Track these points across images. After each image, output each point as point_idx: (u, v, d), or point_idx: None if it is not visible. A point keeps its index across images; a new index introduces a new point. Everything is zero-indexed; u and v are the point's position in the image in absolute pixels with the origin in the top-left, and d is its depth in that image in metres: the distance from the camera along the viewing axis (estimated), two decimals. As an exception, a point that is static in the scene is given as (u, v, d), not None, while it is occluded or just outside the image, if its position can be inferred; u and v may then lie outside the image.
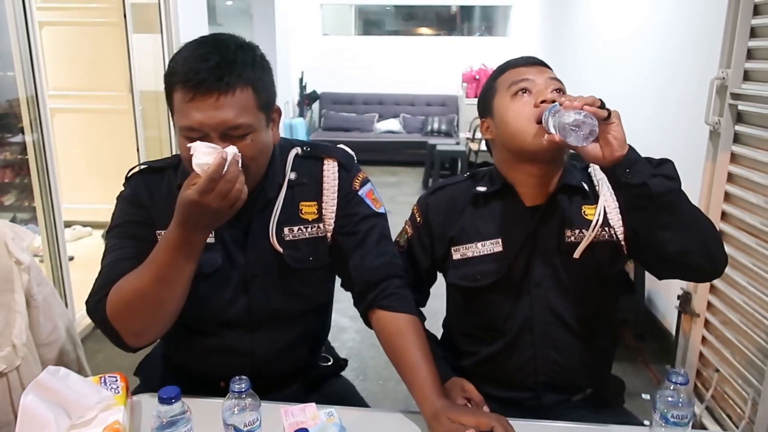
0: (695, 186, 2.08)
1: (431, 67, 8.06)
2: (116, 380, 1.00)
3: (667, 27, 2.91)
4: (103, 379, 1.00)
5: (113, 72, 3.57)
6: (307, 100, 7.85)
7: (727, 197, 1.94)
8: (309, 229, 1.15)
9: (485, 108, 1.20)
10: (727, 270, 1.91)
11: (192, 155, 0.92)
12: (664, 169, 1.03)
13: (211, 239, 1.10)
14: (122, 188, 1.15)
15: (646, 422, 1.03)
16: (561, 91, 1.11)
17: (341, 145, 1.22)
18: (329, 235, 1.16)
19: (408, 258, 1.25)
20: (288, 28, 7.37)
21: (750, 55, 1.80)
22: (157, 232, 1.10)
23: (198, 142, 0.93)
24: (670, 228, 0.98)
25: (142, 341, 1.05)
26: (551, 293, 1.16)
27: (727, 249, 1.90)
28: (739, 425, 1.81)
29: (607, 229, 1.16)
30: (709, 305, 2.05)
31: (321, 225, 1.15)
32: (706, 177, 2.01)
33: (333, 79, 8.08)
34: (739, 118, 1.87)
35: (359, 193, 1.17)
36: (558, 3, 5.61)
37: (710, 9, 2.25)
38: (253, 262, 1.12)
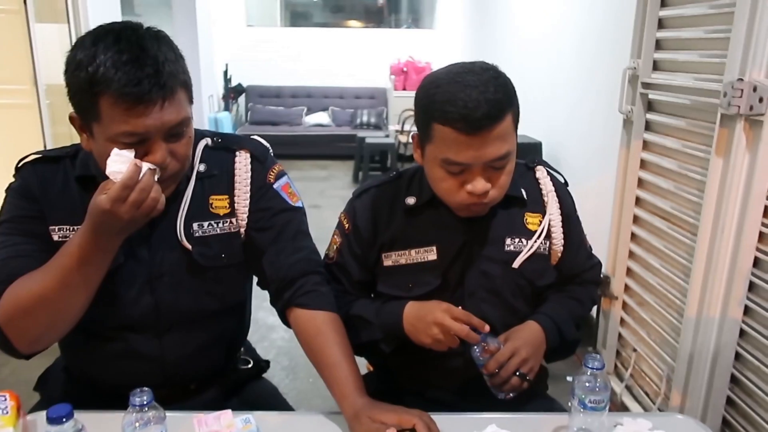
0: (612, 173, 2.15)
1: (360, 60, 8.03)
2: (5, 399, 0.91)
3: (584, 20, 3.00)
4: (-12, 398, 0.91)
5: (14, 63, 3.31)
6: (232, 93, 7.63)
7: (641, 183, 2.01)
8: (220, 225, 1.08)
9: (419, 130, 1.07)
10: (642, 253, 2.01)
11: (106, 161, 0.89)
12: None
13: None
14: (12, 179, 1.05)
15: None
16: (504, 159, 1.00)
17: (255, 136, 1.16)
18: (242, 230, 1.10)
19: (340, 270, 1.19)
20: (210, 19, 7.12)
21: (659, 45, 1.87)
22: (50, 227, 1.02)
23: (114, 149, 0.89)
24: None
25: (36, 348, 0.98)
26: (485, 304, 1.13)
27: (642, 232, 2.00)
28: (656, 401, 1.90)
29: (545, 241, 1.15)
30: (627, 287, 2.13)
31: (233, 220, 1.09)
32: (621, 164, 2.08)
33: (259, 71, 7.89)
34: (650, 106, 1.94)
35: (274, 186, 1.12)
36: (481, -4, 5.70)
37: (624, 2, 2.32)
38: (159, 260, 1.05)
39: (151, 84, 0.88)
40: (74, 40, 3.31)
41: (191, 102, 0.99)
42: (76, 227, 0.99)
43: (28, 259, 0.97)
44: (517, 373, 1.03)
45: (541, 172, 1.20)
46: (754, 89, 1.38)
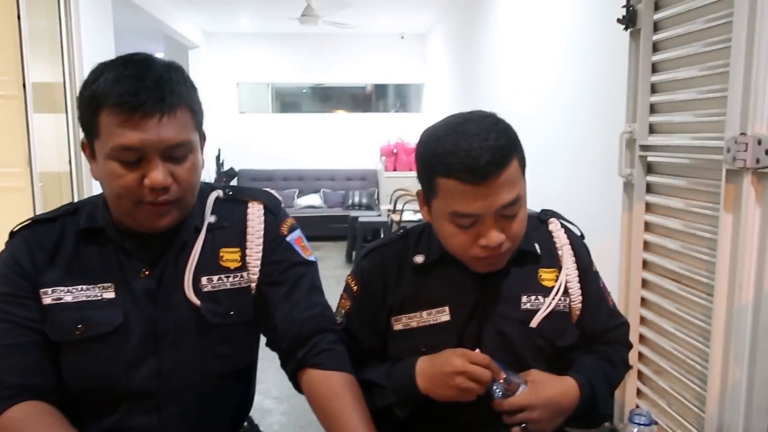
0: (615, 237, 2.13)
1: (350, 143, 8.20)
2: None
3: (576, 90, 3.09)
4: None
5: (9, 147, 3.33)
6: (224, 178, 7.70)
7: (647, 246, 1.98)
8: (231, 279, 1.02)
9: (423, 187, 1.04)
10: (654, 318, 1.94)
11: None
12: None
13: (110, 294, 0.96)
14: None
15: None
16: (514, 205, 0.97)
17: (267, 189, 1.13)
18: (253, 285, 1.04)
19: (348, 336, 1.11)
20: (204, 107, 7.30)
21: (653, 109, 1.90)
22: (41, 291, 0.95)
23: None
24: None
25: None
26: (504, 365, 1.04)
27: (652, 296, 1.94)
28: (685, 478, 1.76)
29: (564, 298, 1.09)
30: (641, 356, 2.04)
31: (244, 274, 1.03)
32: (625, 228, 2.06)
33: (251, 156, 8.02)
34: (650, 168, 1.95)
35: (287, 239, 1.07)
36: (467, 81, 5.91)
37: (615, 69, 2.39)
38: (164, 318, 0.97)
39: (149, 95, 0.87)
40: (72, 130, 3.34)
41: (200, 132, 0.97)
42: (70, 288, 0.93)
43: (21, 354, 0.93)
44: (522, 425, 0.96)
45: (554, 225, 1.15)
46: (759, 142, 1.38)
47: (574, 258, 1.13)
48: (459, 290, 1.07)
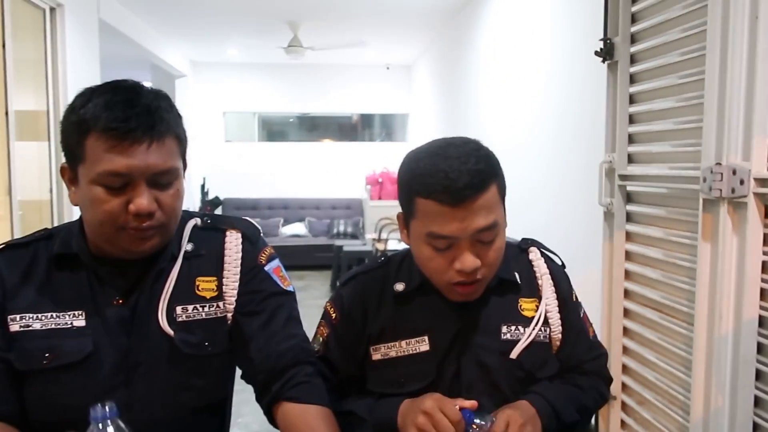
0: (598, 267, 2.13)
1: (335, 172, 8.24)
2: None
3: (558, 121, 3.14)
4: None
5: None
6: (208, 206, 7.67)
7: (628, 275, 1.98)
8: (206, 309, 1.00)
9: (403, 208, 1.05)
10: (637, 347, 1.93)
11: None
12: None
13: (81, 322, 0.94)
14: None
15: None
16: (491, 230, 0.97)
17: (247, 218, 1.12)
18: (229, 315, 1.02)
19: (326, 365, 1.09)
20: (189, 135, 7.30)
21: (631, 139, 1.93)
22: (9, 317, 0.93)
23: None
24: None
25: None
26: (484, 398, 1.03)
27: (634, 326, 1.94)
28: None
29: (544, 328, 1.08)
30: (624, 386, 2.02)
31: (220, 304, 1.01)
32: (606, 257, 2.07)
33: (236, 184, 8.02)
34: (629, 197, 1.96)
35: (265, 268, 1.06)
36: (451, 112, 5.99)
37: (595, 101, 2.44)
38: (137, 348, 0.95)
39: (139, 122, 0.87)
40: (54, 158, 3.33)
41: (184, 161, 0.97)
42: (39, 316, 0.91)
43: None
44: None
45: (534, 254, 1.15)
46: (734, 172, 1.40)
47: (553, 288, 1.12)
48: (439, 319, 1.06)
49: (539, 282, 1.12)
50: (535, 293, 1.11)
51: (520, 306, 1.09)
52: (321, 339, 1.12)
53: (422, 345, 1.05)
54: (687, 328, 1.65)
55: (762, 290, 1.40)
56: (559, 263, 1.18)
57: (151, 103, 0.91)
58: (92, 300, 0.96)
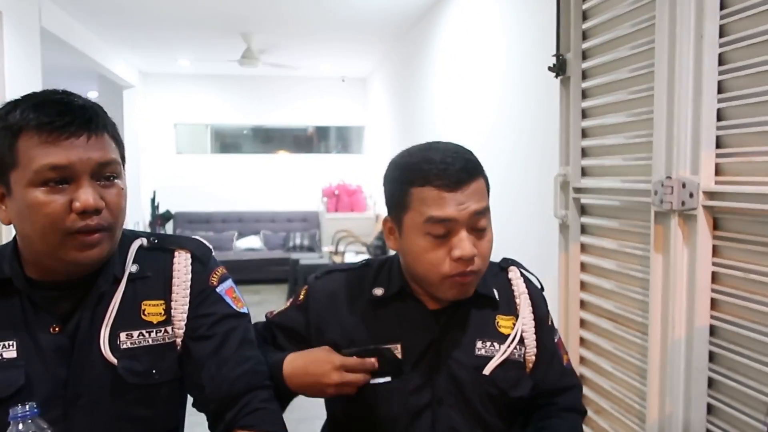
0: (554, 278, 2.16)
1: (291, 184, 8.15)
2: None
3: (513, 134, 3.18)
4: None
5: None
6: (159, 220, 7.46)
7: (583, 286, 2.02)
8: (153, 334, 0.95)
9: (391, 209, 1.04)
10: (593, 357, 1.96)
11: None
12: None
13: (11, 353, 0.87)
14: None
15: None
16: (485, 216, 1.01)
17: (196, 237, 1.07)
18: (179, 341, 0.97)
19: (269, 333, 1.12)
20: (139, 147, 7.11)
21: (584, 153, 1.97)
22: None
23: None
24: None
25: None
26: (455, 411, 1.02)
27: (590, 336, 1.97)
28: None
29: (519, 347, 1.08)
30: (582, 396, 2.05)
31: (168, 329, 0.96)
32: (562, 268, 2.10)
33: (189, 198, 7.83)
34: (584, 210, 2.00)
35: (217, 289, 1.00)
36: (407, 125, 6.02)
37: (550, 115, 2.48)
38: (76, 379, 0.89)
39: (75, 116, 0.84)
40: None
41: (123, 162, 0.93)
42: None
43: None
44: None
45: (514, 273, 1.16)
46: (683, 185, 1.44)
47: (531, 308, 1.13)
48: (413, 328, 1.05)
49: (517, 301, 1.12)
50: (513, 311, 1.11)
51: (497, 323, 1.09)
52: (280, 310, 1.15)
53: (394, 352, 1.03)
54: (641, 337, 1.69)
55: (713, 300, 1.44)
56: (539, 286, 1.18)
57: (85, 103, 0.88)
58: (26, 328, 0.89)
